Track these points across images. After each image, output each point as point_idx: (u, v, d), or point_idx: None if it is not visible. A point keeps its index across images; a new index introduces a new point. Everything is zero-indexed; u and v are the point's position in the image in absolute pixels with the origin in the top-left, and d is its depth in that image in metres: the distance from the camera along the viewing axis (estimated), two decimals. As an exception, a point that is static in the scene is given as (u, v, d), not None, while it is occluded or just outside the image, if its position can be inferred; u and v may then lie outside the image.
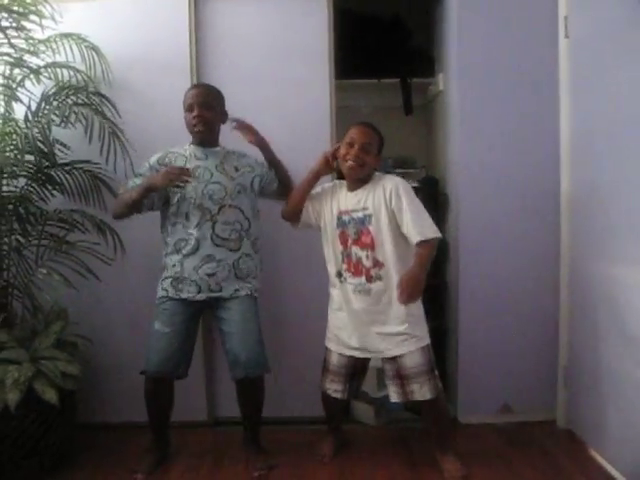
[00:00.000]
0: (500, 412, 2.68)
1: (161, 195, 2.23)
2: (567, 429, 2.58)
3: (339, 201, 2.23)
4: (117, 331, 2.65)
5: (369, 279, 2.14)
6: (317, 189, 2.31)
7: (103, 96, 2.48)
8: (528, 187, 2.61)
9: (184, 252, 2.21)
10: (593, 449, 2.35)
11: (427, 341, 2.18)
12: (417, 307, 2.18)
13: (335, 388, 2.27)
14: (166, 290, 2.25)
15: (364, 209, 2.15)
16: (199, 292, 2.22)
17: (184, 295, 2.23)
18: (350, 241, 2.18)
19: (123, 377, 2.61)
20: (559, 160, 2.57)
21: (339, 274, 2.21)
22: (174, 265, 2.23)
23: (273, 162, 2.37)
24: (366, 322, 2.17)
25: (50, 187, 2.49)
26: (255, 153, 2.37)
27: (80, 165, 2.51)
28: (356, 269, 2.16)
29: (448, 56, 2.79)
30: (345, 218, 2.19)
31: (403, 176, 2.44)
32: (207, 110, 2.24)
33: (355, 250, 2.16)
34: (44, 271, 2.33)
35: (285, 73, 2.65)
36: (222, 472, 2.29)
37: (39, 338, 2.30)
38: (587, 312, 2.40)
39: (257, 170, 2.35)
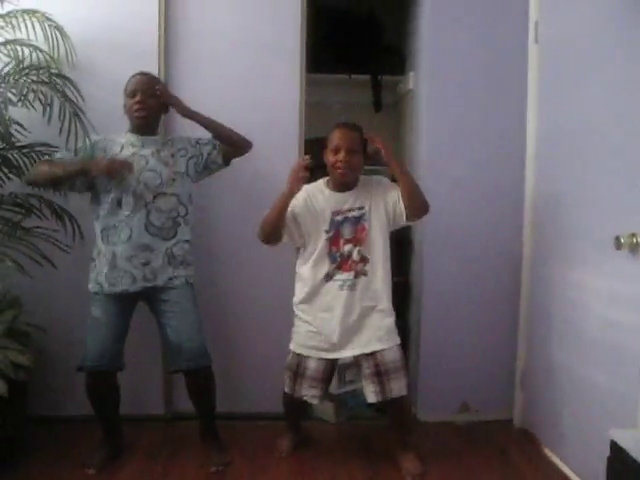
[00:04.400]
0: (459, 411, 2.71)
1: (84, 180, 2.17)
2: (523, 428, 2.62)
3: (329, 203, 2.20)
4: (73, 321, 2.55)
5: (356, 274, 2.17)
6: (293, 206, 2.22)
7: (66, 78, 2.39)
8: (493, 188, 2.64)
9: (116, 240, 2.16)
10: (548, 448, 2.39)
11: (399, 339, 2.24)
12: (392, 307, 2.25)
13: (313, 394, 2.22)
14: (100, 285, 2.19)
15: (360, 208, 2.19)
16: (134, 282, 2.18)
17: (118, 289, 2.17)
18: (342, 241, 2.18)
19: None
20: (524, 163, 2.61)
21: (327, 275, 2.18)
22: (105, 254, 2.18)
23: (205, 124, 2.29)
24: (351, 318, 2.17)
25: (6, 170, 2.38)
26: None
27: (39, 148, 2.40)
28: (345, 265, 2.17)
29: (419, 55, 2.79)
30: (339, 218, 2.18)
31: (371, 173, 2.43)
32: (150, 97, 2.21)
33: (347, 247, 2.17)
34: (-4, 257, 2.24)
35: (255, 65, 2.61)
36: (178, 467, 2.25)
37: (-11, 326, 2.21)
38: (545, 314, 2.44)
39: (190, 151, 2.29)
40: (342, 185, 2.21)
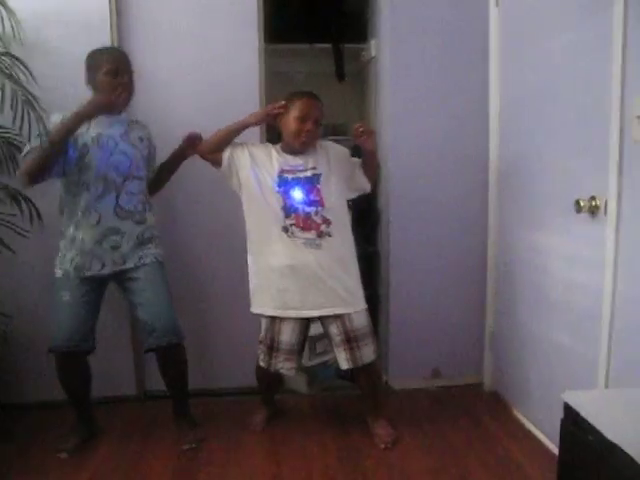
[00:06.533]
0: (430, 377, 2.75)
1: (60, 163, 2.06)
2: (493, 391, 2.67)
3: (279, 161, 2.18)
4: (37, 306, 2.52)
5: (320, 234, 2.14)
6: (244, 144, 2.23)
7: (15, 57, 2.29)
8: (457, 154, 2.64)
9: (86, 224, 2.11)
10: (517, 410, 2.44)
11: (366, 304, 2.24)
12: (358, 272, 2.25)
13: (289, 366, 2.22)
14: (66, 270, 2.14)
15: (313, 169, 2.17)
16: (103, 267, 2.14)
17: (88, 274, 2.13)
18: (296, 199, 2.14)
19: (45, 354, 2.49)
20: (488, 128, 2.59)
21: (285, 229, 2.14)
22: (74, 239, 2.12)
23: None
24: (317, 277, 2.14)
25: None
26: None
27: (-3, 131, 2.34)
28: (305, 224, 2.14)
29: (380, 21, 2.74)
30: (287, 176, 2.15)
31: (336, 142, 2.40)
32: (130, 77, 2.14)
33: (303, 206, 2.14)
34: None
35: (212, 35, 2.53)
36: (151, 447, 2.25)
37: (-50, 316, 2.17)
38: (512, 278, 2.47)
39: (151, 145, 2.29)
40: (296, 151, 2.19)
